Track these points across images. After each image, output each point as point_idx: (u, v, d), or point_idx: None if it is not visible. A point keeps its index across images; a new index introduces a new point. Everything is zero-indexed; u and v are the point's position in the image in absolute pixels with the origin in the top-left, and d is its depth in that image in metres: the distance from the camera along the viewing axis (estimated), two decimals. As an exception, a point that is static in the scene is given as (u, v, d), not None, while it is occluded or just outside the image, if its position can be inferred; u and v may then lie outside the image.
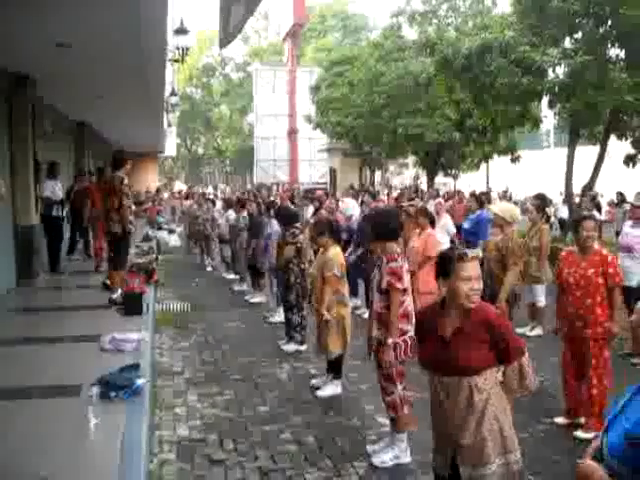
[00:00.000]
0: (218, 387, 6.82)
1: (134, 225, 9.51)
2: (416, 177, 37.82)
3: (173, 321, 9.88)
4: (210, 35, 57.56)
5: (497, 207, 7.42)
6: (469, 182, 31.27)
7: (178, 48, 13.51)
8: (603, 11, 14.73)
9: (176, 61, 14.52)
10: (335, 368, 6.67)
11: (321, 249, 6.93)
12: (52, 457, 4.22)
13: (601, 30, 15.28)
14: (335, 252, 6.70)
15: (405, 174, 49.98)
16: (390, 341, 4.86)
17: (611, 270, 5.49)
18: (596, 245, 5.73)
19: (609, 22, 15.11)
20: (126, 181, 8.88)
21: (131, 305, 8.26)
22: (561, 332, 5.87)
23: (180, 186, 44.21)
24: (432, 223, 8.49)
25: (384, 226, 5.16)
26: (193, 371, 7.42)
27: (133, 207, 9.36)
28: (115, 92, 13.11)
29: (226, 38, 10.60)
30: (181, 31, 13.28)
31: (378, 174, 38.91)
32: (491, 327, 3.32)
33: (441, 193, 23.71)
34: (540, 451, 5.23)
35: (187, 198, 18.35)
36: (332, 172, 31.60)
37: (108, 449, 4.33)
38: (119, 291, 8.76)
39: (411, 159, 34.78)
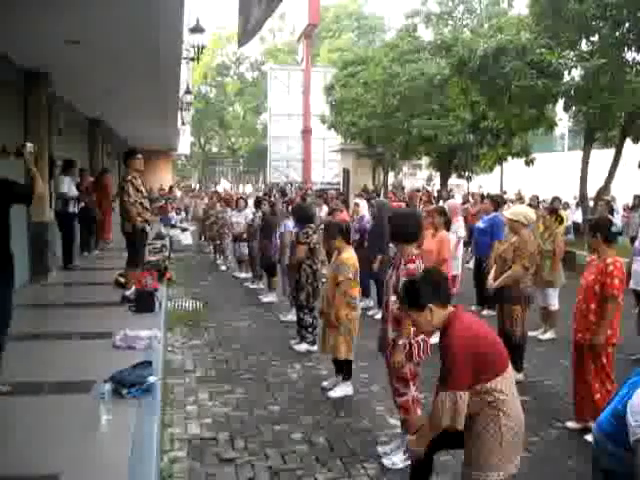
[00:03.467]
0: (229, 386, 6.83)
1: (149, 223, 9.50)
2: (429, 178, 37.71)
3: (185, 319, 9.89)
4: (225, 34, 57.69)
5: (509, 212, 7.37)
6: (481, 184, 31.16)
7: (193, 46, 13.52)
8: (620, 14, 14.67)
9: (192, 59, 14.53)
10: (345, 369, 6.66)
11: (335, 252, 6.91)
12: (63, 453, 4.23)
13: (617, 33, 15.24)
14: (349, 255, 6.69)
15: (418, 175, 49.90)
16: (401, 342, 4.84)
17: (608, 280, 5.44)
18: (612, 252, 5.68)
19: (626, 25, 15.04)
20: (130, 177, 8.84)
21: (143, 303, 8.28)
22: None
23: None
24: (447, 224, 8.46)
25: (403, 228, 5.15)
26: (204, 369, 7.42)
27: (147, 205, 9.27)
28: (130, 89, 13.15)
29: (245, 37, 10.62)
30: (197, 29, 13.28)
31: (391, 175, 38.87)
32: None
33: (457, 196, 23.66)
34: (551, 454, 5.22)
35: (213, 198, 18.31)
36: (345, 173, 31.53)
37: (119, 446, 4.33)
38: (132, 288, 8.77)
39: (424, 160, 34.74)
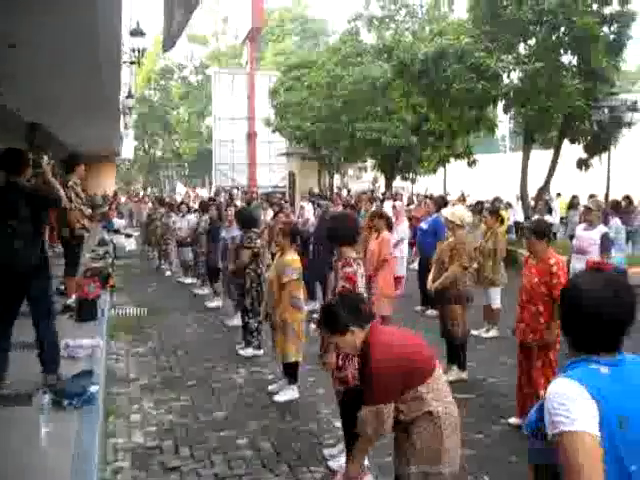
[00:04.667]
0: (174, 393, 6.76)
1: (88, 230, 9.34)
2: (374, 181, 38.00)
3: (129, 327, 9.75)
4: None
5: (447, 211, 7.50)
6: (427, 186, 31.52)
7: (134, 50, 13.35)
8: (556, 19, 15.03)
9: (132, 63, 14.35)
10: (291, 373, 6.66)
11: (278, 253, 6.92)
12: (2, 468, 4.13)
13: (554, 37, 15.60)
14: (292, 256, 6.70)
15: (364, 178, 50.16)
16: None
17: (554, 281, 5.51)
18: (550, 250, 5.80)
19: (562, 29, 15.42)
20: (71, 183, 8.69)
21: (85, 311, 8.13)
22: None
23: (181, 189, 42.69)
24: (389, 226, 8.54)
25: (340, 231, 5.17)
26: (149, 377, 7.34)
27: (88, 211, 9.13)
28: (70, 93, 12.88)
29: (169, 41, 10.54)
30: (137, 33, 13.12)
31: (337, 178, 39.02)
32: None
33: (404, 197, 23.90)
34: (494, 451, 5.30)
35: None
36: (291, 176, 31.58)
37: (60, 458, 4.24)
38: (73, 297, 8.61)
39: (370, 163, 34.98)
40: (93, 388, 5.23)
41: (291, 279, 6.51)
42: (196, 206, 14.74)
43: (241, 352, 8.23)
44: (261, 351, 8.12)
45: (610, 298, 2.13)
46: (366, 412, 3.48)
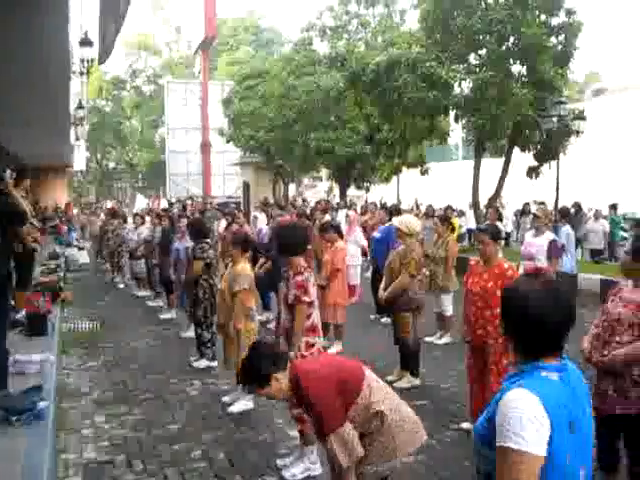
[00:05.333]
0: (127, 407, 6.69)
1: (40, 243, 9.20)
2: (330, 190, 38.16)
3: (82, 341, 9.61)
4: (121, 47, 56.63)
5: (397, 220, 7.57)
6: (382, 194, 31.75)
7: (83, 60, 13.18)
8: (505, 29, 15.32)
9: (82, 73, 14.16)
10: (246, 383, 6.64)
11: (230, 263, 6.91)
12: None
13: (503, 47, 15.90)
14: (244, 266, 6.69)
15: (319, 187, 50.36)
16: (292, 354, 4.88)
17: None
18: (500, 256, 5.90)
19: (511, 40, 15.73)
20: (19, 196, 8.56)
21: (35, 326, 7.98)
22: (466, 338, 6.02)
23: (142, 201, 41.97)
24: (340, 235, 8.61)
25: (290, 240, 5.21)
26: (101, 391, 7.25)
27: (39, 224, 9.02)
28: (18, 104, 12.70)
29: (105, 53, 10.46)
30: (85, 42, 12.95)
31: (292, 187, 39.08)
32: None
33: (358, 207, 24.02)
34: (448, 456, 5.36)
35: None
36: (246, 186, 31.53)
37: (8, 475, 4.16)
38: (22, 311, 8.45)
39: (324, 172, 35.15)
40: (43, 404, 5.14)
41: (243, 288, 6.50)
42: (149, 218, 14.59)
43: (195, 364, 8.18)
44: (215, 362, 8.08)
45: (552, 302, 2.20)
46: (330, 444, 3.47)
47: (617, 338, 4.19)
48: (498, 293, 5.56)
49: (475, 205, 18.44)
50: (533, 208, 15.68)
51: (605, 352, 4.24)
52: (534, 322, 2.17)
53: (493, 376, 5.64)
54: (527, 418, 2.04)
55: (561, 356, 2.22)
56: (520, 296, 2.23)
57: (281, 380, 3.57)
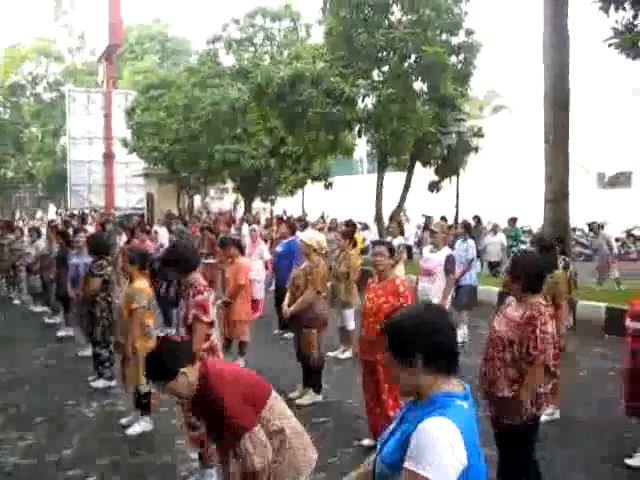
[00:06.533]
0: (19, 432, 6.41)
1: None
2: (236, 202, 37.99)
3: (-31, 361, 9.17)
4: (21, 52, 54.75)
5: (304, 235, 7.59)
6: (285, 207, 31.90)
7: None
8: (406, 48, 15.67)
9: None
10: (144, 404, 6.47)
11: (127, 280, 6.74)
12: None
13: (405, 64, 16.25)
14: (142, 283, 6.53)
15: (225, 199, 49.99)
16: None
17: (401, 300, 5.61)
18: (398, 272, 5.98)
19: (412, 57, 16.10)
20: None
21: None
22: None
23: (52, 215, 39.96)
24: (241, 251, 8.57)
25: (182, 257, 5.15)
26: (-10, 415, 6.93)
27: None
28: None
29: None
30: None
31: (198, 199, 38.62)
32: None
33: (262, 220, 23.97)
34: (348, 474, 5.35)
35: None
36: (149, 198, 30.97)
37: None
38: None
39: (231, 184, 34.97)
40: None
41: (141, 306, 6.34)
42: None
43: (93, 384, 7.93)
44: (114, 382, 7.84)
45: (448, 326, 2.27)
46: (243, 445, 3.34)
47: (500, 355, 4.31)
48: (386, 308, 5.62)
49: (379, 219, 18.71)
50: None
51: (485, 369, 4.39)
52: (443, 345, 2.23)
53: (385, 392, 5.69)
54: (448, 453, 2.05)
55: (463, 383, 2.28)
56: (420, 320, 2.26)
57: (188, 374, 3.47)
